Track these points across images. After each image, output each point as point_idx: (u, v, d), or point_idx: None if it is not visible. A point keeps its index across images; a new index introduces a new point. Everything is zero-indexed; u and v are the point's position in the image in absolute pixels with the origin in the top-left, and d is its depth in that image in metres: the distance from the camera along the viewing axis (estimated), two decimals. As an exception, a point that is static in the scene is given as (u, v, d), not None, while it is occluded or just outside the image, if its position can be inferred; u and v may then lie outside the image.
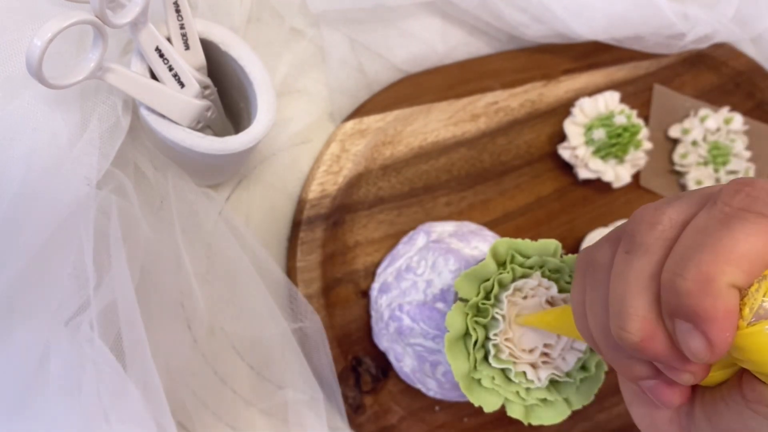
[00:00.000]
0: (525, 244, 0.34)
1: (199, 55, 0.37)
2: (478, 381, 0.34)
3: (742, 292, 0.20)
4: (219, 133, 0.41)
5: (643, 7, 0.50)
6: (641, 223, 0.23)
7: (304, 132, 0.48)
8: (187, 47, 0.37)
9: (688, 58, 0.56)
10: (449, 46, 0.51)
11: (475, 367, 0.34)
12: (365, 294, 0.46)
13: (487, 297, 0.34)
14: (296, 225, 0.46)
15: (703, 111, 0.55)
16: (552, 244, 0.34)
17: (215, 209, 0.42)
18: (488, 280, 0.34)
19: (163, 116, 0.36)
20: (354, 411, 0.45)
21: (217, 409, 0.43)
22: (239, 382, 0.44)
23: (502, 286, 0.33)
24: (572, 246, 0.51)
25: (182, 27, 0.36)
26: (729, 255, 0.20)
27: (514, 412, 0.34)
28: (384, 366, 0.46)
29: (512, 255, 0.34)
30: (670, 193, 0.54)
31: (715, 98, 0.57)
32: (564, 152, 0.51)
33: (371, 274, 0.47)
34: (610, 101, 0.51)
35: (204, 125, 0.39)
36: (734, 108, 0.55)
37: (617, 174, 0.51)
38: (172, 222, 0.40)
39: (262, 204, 0.47)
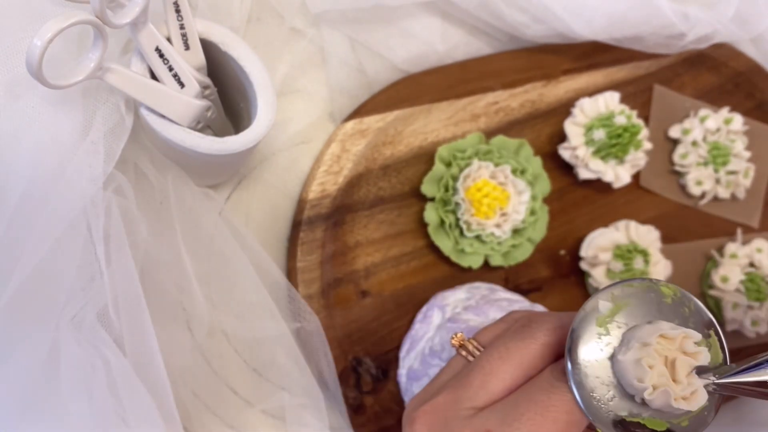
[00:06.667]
0: (459, 143, 0.48)
1: (199, 55, 0.37)
2: (462, 250, 0.46)
3: None
4: (219, 133, 0.41)
5: (643, 7, 0.50)
6: None
7: (304, 132, 0.48)
8: (187, 47, 0.37)
9: (688, 58, 0.56)
10: (449, 46, 0.51)
11: (456, 242, 0.46)
12: (365, 294, 0.46)
13: (447, 190, 0.46)
14: (296, 225, 0.46)
15: (703, 111, 0.55)
16: (475, 136, 0.48)
17: (215, 209, 0.42)
18: (443, 178, 0.46)
19: (163, 116, 0.35)
20: (354, 411, 0.45)
21: (217, 409, 0.43)
22: (239, 382, 0.44)
23: (455, 179, 0.46)
24: (573, 246, 0.51)
25: (182, 27, 0.36)
26: None
27: (496, 261, 0.47)
28: (384, 367, 0.46)
29: (454, 155, 0.47)
30: (670, 193, 0.54)
31: (715, 98, 0.57)
32: (564, 152, 0.51)
33: (371, 274, 0.47)
34: (610, 101, 0.51)
35: (204, 125, 0.39)
36: (734, 108, 0.55)
37: (617, 174, 0.51)
38: (172, 222, 0.40)
39: (262, 204, 0.47)
